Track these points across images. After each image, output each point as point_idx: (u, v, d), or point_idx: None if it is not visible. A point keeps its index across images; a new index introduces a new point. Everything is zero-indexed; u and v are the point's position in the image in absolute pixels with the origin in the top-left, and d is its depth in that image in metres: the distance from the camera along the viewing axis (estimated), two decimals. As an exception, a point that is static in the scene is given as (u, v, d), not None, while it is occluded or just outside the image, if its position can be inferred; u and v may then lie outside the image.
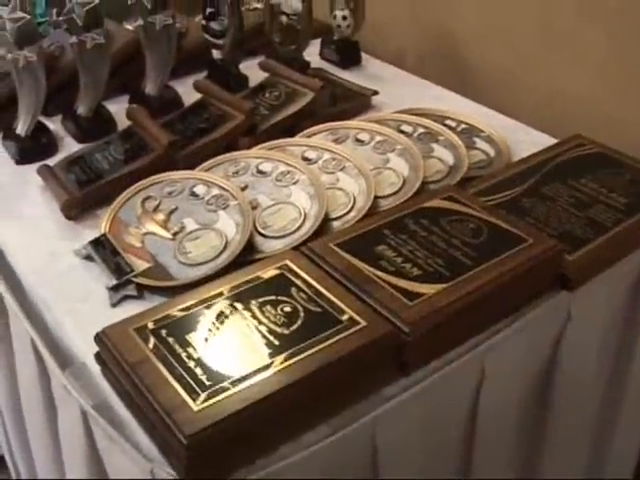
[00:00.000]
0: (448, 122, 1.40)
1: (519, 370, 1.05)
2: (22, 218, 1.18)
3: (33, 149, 1.32)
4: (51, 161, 1.31)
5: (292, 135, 1.32)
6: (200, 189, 1.14)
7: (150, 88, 1.44)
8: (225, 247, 1.04)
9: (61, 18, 1.32)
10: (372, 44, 1.73)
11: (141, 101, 1.45)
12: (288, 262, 0.97)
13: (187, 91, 1.49)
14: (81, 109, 1.38)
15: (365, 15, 1.61)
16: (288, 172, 1.17)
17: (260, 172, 1.18)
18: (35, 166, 1.29)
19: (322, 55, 1.68)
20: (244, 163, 1.20)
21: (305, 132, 1.31)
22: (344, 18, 1.61)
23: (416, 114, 1.41)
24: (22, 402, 1.17)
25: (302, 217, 1.09)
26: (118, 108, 1.45)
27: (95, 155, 1.24)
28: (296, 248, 1.03)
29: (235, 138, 1.28)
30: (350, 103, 1.46)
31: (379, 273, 0.96)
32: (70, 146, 1.37)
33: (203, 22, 1.51)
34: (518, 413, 1.09)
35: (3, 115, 1.40)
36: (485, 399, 1.00)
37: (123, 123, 1.38)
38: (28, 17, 1.24)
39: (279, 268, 0.96)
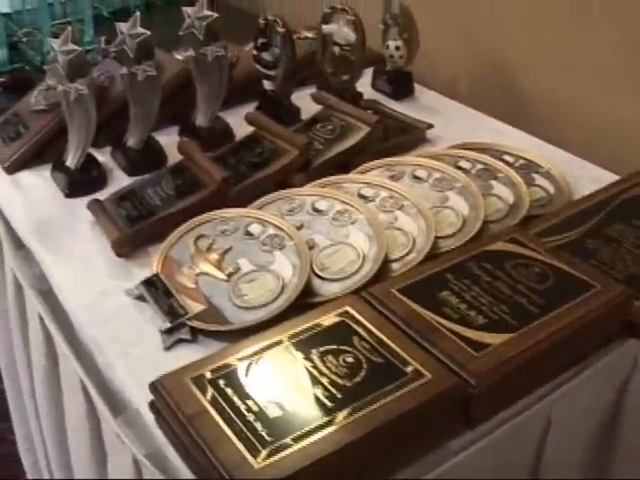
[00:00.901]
0: (506, 157, 1.38)
1: (585, 416, 1.03)
2: (72, 255, 1.17)
3: (83, 182, 1.31)
4: (101, 194, 1.30)
5: (346, 170, 1.30)
6: (255, 228, 1.12)
7: (201, 120, 1.43)
8: (282, 290, 1.02)
9: (112, 49, 1.31)
10: (423, 73, 1.72)
11: (191, 133, 1.44)
12: (349, 309, 0.95)
13: (237, 122, 1.49)
14: (131, 141, 1.37)
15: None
16: (345, 211, 1.15)
17: (316, 210, 1.16)
18: (85, 200, 1.28)
19: (374, 86, 1.67)
20: (299, 201, 1.18)
21: (360, 168, 1.29)
22: (397, 49, 1.60)
23: (473, 149, 1.38)
24: (69, 441, 1.15)
25: (361, 259, 1.07)
26: (168, 140, 1.44)
27: (146, 190, 1.23)
28: (355, 292, 1.01)
29: (289, 174, 1.27)
30: (404, 137, 1.44)
31: (443, 321, 0.94)
32: (120, 179, 1.36)
33: (254, 52, 1.50)
34: (583, 458, 1.07)
35: (53, 146, 1.40)
36: (551, 446, 0.98)
37: (173, 156, 1.37)
38: (79, 50, 1.24)
39: (340, 315, 0.94)
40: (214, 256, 1.09)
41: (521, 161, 1.38)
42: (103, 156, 1.41)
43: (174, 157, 1.36)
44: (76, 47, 1.24)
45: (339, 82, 1.56)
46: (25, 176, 1.40)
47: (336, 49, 1.55)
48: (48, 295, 1.17)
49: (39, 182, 1.37)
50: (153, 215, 1.17)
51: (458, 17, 1.70)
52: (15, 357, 1.44)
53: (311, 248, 1.09)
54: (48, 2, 1.86)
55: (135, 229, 1.15)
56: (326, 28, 1.54)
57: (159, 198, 1.20)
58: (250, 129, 1.41)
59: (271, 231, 1.11)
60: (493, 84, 1.70)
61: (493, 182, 1.28)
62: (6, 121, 1.48)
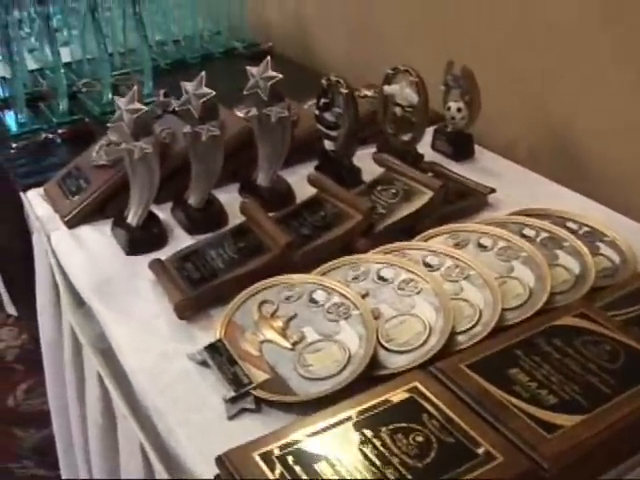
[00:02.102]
0: (569, 224, 1.38)
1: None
2: (133, 314, 1.19)
3: (143, 240, 1.34)
4: (161, 253, 1.32)
5: (410, 236, 1.31)
6: (320, 295, 1.13)
7: (262, 179, 1.45)
8: (348, 362, 1.02)
9: (177, 109, 1.34)
10: (481, 133, 1.73)
11: (252, 191, 1.47)
12: (418, 384, 0.95)
13: (297, 181, 1.51)
14: (192, 199, 1.40)
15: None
16: (411, 280, 1.15)
17: (381, 279, 1.17)
18: (145, 258, 1.30)
19: (434, 146, 1.68)
20: (364, 268, 1.19)
21: (424, 235, 1.30)
22: (459, 110, 1.61)
23: (536, 215, 1.39)
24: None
25: (427, 331, 1.07)
26: (228, 198, 1.47)
27: (209, 251, 1.25)
28: (422, 365, 1.01)
29: (352, 238, 1.28)
30: (466, 201, 1.45)
31: (513, 400, 0.93)
32: (180, 238, 1.38)
33: (316, 112, 1.52)
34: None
35: (114, 202, 1.43)
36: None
37: (234, 215, 1.40)
38: (145, 109, 1.27)
39: (409, 391, 0.94)
40: (278, 323, 1.10)
41: (585, 229, 1.38)
42: (163, 213, 1.43)
43: (234, 216, 1.39)
44: (142, 106, 1.27)
45: (400, 143, 1.58)
46: (85, 231, 1.42)
47: (397, 110, 1.56)
48: (107, 354, 1.19)
49: (99, 238, 1.40)
50: (216, 278, 1.19)
51: (519, 80, 1.71)
52: (68, 409, 1.45)
53: (376, 318, 1.10)
54: (108, 52, 1.90)
55: (198, 292, 1.16)
56: (388, 89, 1.56)
57: (222, 260, 1.22)
58: (311, 189, 1.42)
59: (336, 299, 1.12)
60: (553, 147, 1.70)
61: (558, 252, 1.28)
62: (68, 174, 1.52)
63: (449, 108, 1.63)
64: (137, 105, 1.27)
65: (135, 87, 1.29)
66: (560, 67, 1.63)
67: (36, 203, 1.53)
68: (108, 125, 1.31)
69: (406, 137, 1.59)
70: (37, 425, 2.20)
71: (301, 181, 1.52)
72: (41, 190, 1.56)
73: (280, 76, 1.36)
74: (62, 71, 1.82)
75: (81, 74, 2.08)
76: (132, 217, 1.35)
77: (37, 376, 2.26)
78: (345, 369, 1.02)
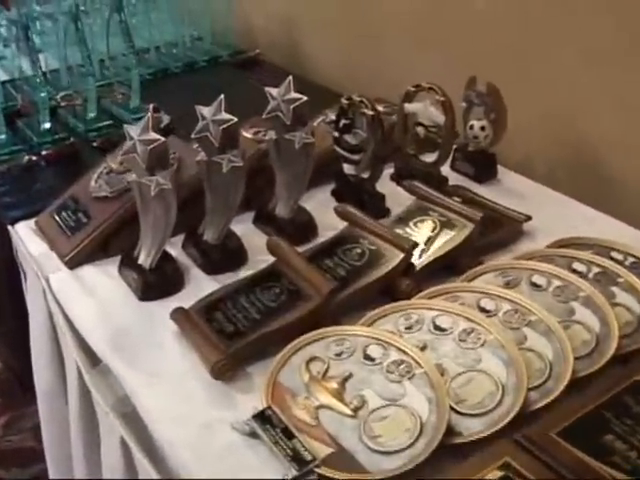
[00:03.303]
0: (614, 255, 1.30)
1: None
2: (160, 375, 1.07)
3: (158, 284, 1.22)
4: (178, 297, 1.22)
5: (452, 273, 1.22)
6: (375, 351, 1.03)
7: (281, 209, 1.34)
8: (421, 431, 0.92)
9: (193, 136, 1.22)
10: (500, 152, 1.63)
11: (269, 222, 1.37)
12: (510, 460, 0.86)
13: (314, 207, 1.42)
14: (208, 235, 1.28)
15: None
16: (472, 330, 1.06)
17: (438, 328, 1.07)
18: (161, 303, 1.18)
19: (454, 166, 1.58)
20: (417, 316, 1.09)
21: (470, 273, 1.20)
22: (482, 129, 1.52)
23: (579, 245, 1.30)
24: None
25: (500, 390, 0.98)
26: (242, 229, 1.36)
27: (238, 299, 1.13)
28: (501, 431, 0.91)
29: (393, 279, 1.17)
30: (502, 231, 1.35)
31: (614, 472, 0.86)
32: (197, 278, 1.27)
33: (335, 134, 1.41)
34: None
35: (119, 239, 1.30)
36: None
37: (253, 249, 1.31)
38: (162, 140, 1.14)
39: (502, 468, 0.85)
40: (333, 385, 0.99)
41: (631, 259, 1.30)
42: (173, 248, 1.31)
43: (253, 252, 1.30)
44: (158, 136, 1.14)
45: (422, 165, 1.47)
46: (89, 272, 1.30)
47: (420, 130, 1.46)
48: (131, 418, 1.06)
49: (106, 280, 1.27)
50: (253, 331, 1.07)
51: (539, 94, 1.62)
52: (71, 465, 1.33)
53: (441, 375, 0.99)
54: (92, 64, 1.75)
55: (235, 349, 1.05)
56: (410, 107, 1.46)
57: (256, 310, 1.10)
58: (330, 217, 1.34)
59: (394, 355, 1.02)
60: (576, 164, 1.62)
61: (614, 289, 1.19)
62: (63, 206, 1.38)
63: (472, 127, 1.54)
64: (152, 135, 1.14)
65: (149, 114, 1.16)
66: (586, 82, 1.54)
67: (28, 238, 1.39)
68: (121, 158, 1.18)
69: (429, 158, 1.48)
70: (20, 463, 2.05)
71: (319, 207, 1.42)
72: (32, 223, 1.42)
73: (305, 98, 1.25)
74: (43, 86, 1.65)
75: (58, 85, 1.92)
76: (144, 258, 1.22)
77: (15, 409, 2.13)
78: (419, 440, 0.91)
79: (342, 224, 1.32)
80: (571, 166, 1.63)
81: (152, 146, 1.13)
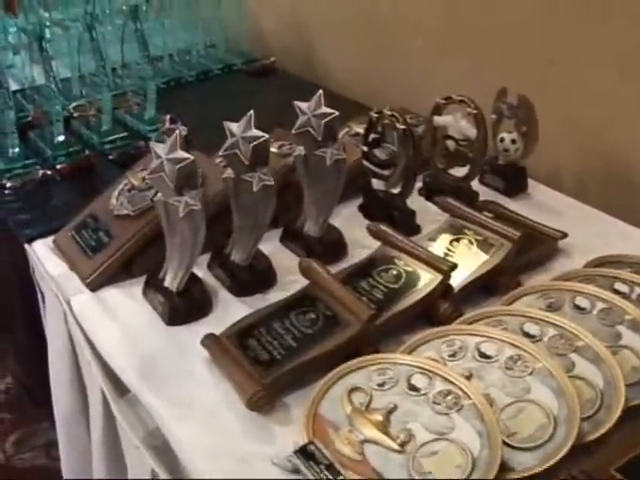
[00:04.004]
0: (653, 272, 1.26)
1: None
2: (192, 406, 1.03)
3: (186, 308, 1.18)
4: (207, 321, 1.19)
5: (490, 293, 1.21)
6: (419, 380, 0.99)
7: (310, 227, 1.31)
8: (473, 467, 0.88)
9: (221, 153, 1.18)
10: (528, 164, 1.60)
11: (297, 241, 1.34)
12: (570, 499, 0.82)
13: (341, 224, 1.39)
14: (235, 256, 1.24)
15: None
16: (518, 357, 1.02)
17: (483, 355, 1.03)
18: (189, 328, 1.16)
19: (482, 180, 1.55)
20: (460, 342, 1.05)
21: (510, 296, 1.17)
22: (513, 142, 1.49)
23: (616, 263, 1.27)
24: None
25: (552, 422, 0.94)
26: (269, 248, 1.32)
27: (273, 325, 1.09)
28: (556, 465, 0.88)
29: (431, 302, 1.14)
30: (538, 249, 1.32)
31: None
32: (225, 301, 1.23)
33: (364, 149, 1.38)
34: None
35: (142, 259, 1.27)
36: None
37: (281, 269, 1.28)
38: (191, 158, 1.10)
39: (562, 507, 0.81)
40: (377, 417, 0.95)
41: (671, 277, 1.26)
42: (198, 268, 1.27)
43: (280, 270, 1.27)
44: (186, 155, 1.10)
45: (453, 179, 1.44)
46: (111, 294, 1.26)
47: (450, 143, 1.43)
48: (163, 451, 1.02)
49: (130, 303, 1.23)
50: (290, 359, 1.04)
51: (568, 105, 1.59)
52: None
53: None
54: (107, 75, 1.71)
55: (272, 379, 1.01)
56: (439, 120, 1.43)
57: (292, 337, 1.07)
58: (360, 234, 1.32)
59: (440, 385, 0.98)
60: (607, 177, 1.59)
61: (659, 310, 1.16)
62: (83, 224, 1.34)
63: (502, 139, 1.50)
64: (181, 154, 1.10)
65: (177, 132, 1.12)
66: (617, 91, 1.51)
67: (46, 258, 1.35)
68: (148, 177, 1.14)
69: (458, 172, 1.45)
70: (33, 482, 2.02)
71: (347, 224, 1.39)
72: (49, 242, 1.38)
73: (336, 113, 1.21)
74: (57, 96, 1.61)
75: (69, 95, 1.88)
76: (171, 281, 1.18)
77: (26, 426, 2.09)
78: (471, 476, 0.88)
79: (371, 241, 1.29)
80: (601, 178, 1.60)
81: (180, 165, 1.09)
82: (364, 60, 2.07)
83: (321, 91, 1.23)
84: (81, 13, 2.01)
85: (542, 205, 1.51)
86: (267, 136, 1.15)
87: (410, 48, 1.94)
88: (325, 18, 2.19)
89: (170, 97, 1.87)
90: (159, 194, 1.16)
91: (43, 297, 1.40)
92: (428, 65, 1.87)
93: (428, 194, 1.47)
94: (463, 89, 1.45)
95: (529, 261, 1.30)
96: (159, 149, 1.12)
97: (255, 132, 1.15)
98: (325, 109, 1.22)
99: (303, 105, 1.23)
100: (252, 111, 1.16)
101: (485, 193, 1.52)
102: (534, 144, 1.49)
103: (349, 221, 1.40)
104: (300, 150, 1.27)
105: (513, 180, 1.53)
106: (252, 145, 1.14)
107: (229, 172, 1.20)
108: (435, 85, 1.81)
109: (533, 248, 1.32)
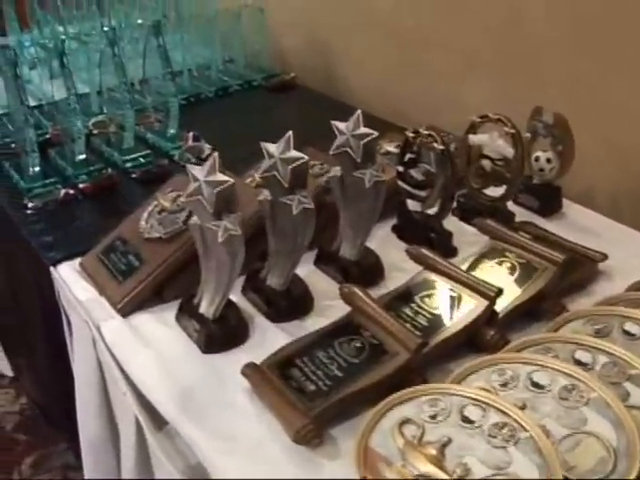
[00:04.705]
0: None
1: None
2: (236, 440, 1.00)
3: (223, 335, 1.15)
4: (244, 349, 1.16)
5: (533, 318, 1.19)
6: (473, 412, 0.96)
7: (346, 251, 1.29)
8: (534, 504, 0.86)
9: (259, 176, 1.16)
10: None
11: (332, 264, 1.32)
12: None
13: (376, 246, 1.36)
14: (272, 280, 1.22)
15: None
16: (573, 387, 1.00)
17: (536, 385, 1.01)
18: (226, 356, 1.14)
19: (516, 200, 1.53)
20: (511, 372, 1.03)
21: (557, 321, 1.14)
22: (549, 161, 1.47)
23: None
24: None
25: (612, 455, 0.92)
26: (304, 271, 1.30)
27: (316, 354, 1.07)
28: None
29: (477, 329, 1.12)
30: (579, 272, 1.29)
31: None
32: (262, 327, 1.21)
33: (400, 169, 1.36)
34: None
35: (175, 283, 1.24)
36: None
37: (317, 293, 1.26)
38: (231, 182, 1.08)
39: None
40: (431, 451, 0.93)
41: None
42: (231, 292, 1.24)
43: (316, 294, 1.26)
44: (226, 178, 1.08)
45: (488, 199, 1.42)
46: (143, 320, 1.24)
47: (486, 163, 1.41)
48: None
49: (163, 329, 1.21)
50: (337, 391, 1.01)
51: (603, 126, 1.57)
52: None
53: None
54: (129, 92, 1.69)
55: (319, 411, 0.99)
56: (475, 139, 1.41)
57: (337, 366, 1.04)
58: (397, 256, 1.32)
59: (495, 417, 0.95)
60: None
61: None
62: (111, 247, 1.32)
63: (537, 158, 1.49)
64: (219, 176, 1.08)
65: (215, 154, 1.10)
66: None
67: (73, 282, 1.33)
68: (185, 201, 1.11)
69: (493, 192, 1.44)
70: (51, 506, 1.99)
71: (381, 246, 1.37)
72: (76, 264, 1.35)
73: (376, 134, 1.20)
74: (78, 113, 1.58)
75: (88, 111, 1.86)
76: (207, 307, 1.16)
77: (42, 447, 2.07)
78: (533, 514, 0.85)
79: (408, 263, 1.28)
80: (637, 199, 1.58)
81: (219, 188, 1.07)
82: (387, 77, 2.06)
83: (359, 111, 1.21)
84: (97, 27, 2.01)
85: (578, 225, 1.49)
86: (307, 158, 1.13)
87: (435, 66, 1.92)
88: (347, 34, 2.17)
89: (189, 113, 1.85)
90: (194, 217, 1.14)
91: (68, 320, 1.37)
92: (454, 83, 1.86)
93: (462, 214, 1.45)
94: (491, 107, 1.43)
95: (571, 284, 1.28)
96: (196, 171, 1.10)
97: (294, 153, 1.13)
98: (364, 129, 1.20)
99: (341, 125, 1.21)
100: (290, 132, 1.14)
101: (519, 213, 1.50)
102: (570, 163, 1.47)
103: (383, 242, 1.38)
104: (336, 171, 1.25)
105: (548, 200, 1.51)
106: (291, 167, 1.12)
107: (265, 194, 1.18)
108: (460, 104, 1.80)
109: (574, 270, 1.29)
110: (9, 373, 2.27)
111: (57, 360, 1.54)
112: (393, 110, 1.93)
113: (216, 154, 1.11)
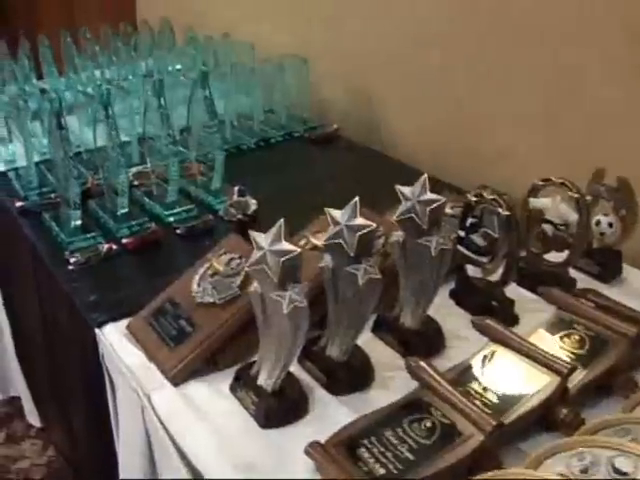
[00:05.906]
0: None
1: None
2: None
3: (283, 409, 1.12)
4: (303, 424, 1.14)
5: (604, 393, 1.16)
6: (557, 503, 0.93)
7: (407, 319, 1.26)
8: None
9: (324, 243, 1.14)
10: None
11: (391, 331, 1.29)
12: None
13: (433, 311, 1.32)
14: (331, 351, 1.19)
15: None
16: (658, 477, 0.96)
17: (618, 472, 0.97)
18: (286, 431, 1.11)
19: (574, 264, 1.49)
20: (590, 456, 0.99)
21: (632, 399, 1.11)
22: (610, 225, 1.44)
23: None
24: None
25: None
26: (363, 339, 1.26)
27: (384, 434, 1.04)
28: None
29: (549, 407, 1.08)
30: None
31: None
32: (322, 400, 1.18)
33: (461, 234, 1.33)
34: None
35: (229, 351, 1.21)
36: None
37: (376, 363, 1.23)
38: (297, 251, 1.05)
39: None
40: None
41: None
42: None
43: (376, 364, 1.23)
44: (292, 247, 1.06)
45: (549, 265, 1.39)
46: (197, 389, 1.21)
47: (548, 227, 1.38)
48: None
49: (217, 401, 1.18)
50: (406, 473, 0.98)
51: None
52: None
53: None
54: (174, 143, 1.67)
55: (391, 497, 0.95)
56: (537, 202, 1.39)
57: (407, 448, 1.01)
58: (449, 321, 1.31)
59: (581, 508, 0.92)
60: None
61: None
62: (161, 311, 1.29)
63: (598, 222, 1.46)
64: (285, 245, 1.06)
65: (281, 221, 1.08)
66: None
67: (120, 346, 1.30)
68: (249, 269, 1.08)
69: (553, 257, 1.41)
70: None
71: (439, 312, 1.34)
72: (122, 326, 1.33)
73: (443, 199, 1.17)
74: (123, 165, 1.56)
75: (127, 161, 1.83)
76: (266, 379, 1.13)
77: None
78: None
79: (468, 332, 1.26)
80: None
81: (285, 258, 1.05)
82: (432, 130, 2.04)
83: (425, 175, 1.19)
84: (137, 73, 2.00)
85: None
86: (374, 225, 1.11)
87: (485, 119, 1.90)
88: (391, 86, 2.15)
89: (230, 164, 1.82)
90: (254, 284, 1.11)
91: (111, 381, 1.34)
92: (506, 140, 1.83)
93: (521, 280, 1.42)
94: (549, 167, 1.41)
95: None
96: (261, 239, 1.08)
97: (361, 221, 1.11)
98: (431, 195, 1.18)
99: (406, 190, 1.19)
100: (357, 198, 1.12)
101: (578, 278, 1.47)
102: (633, 228, 1.44)
103: (442, 309, 1.35)
104: (399, 236, 1.23)
105: (608, 264, 1.48)
106: (358, 235, 1.09)
107: (327, 260, 1.15)
108: (514, 162, 1.78)
109: (640, 343, 1.26)
110: (37, 424, 2.23)
111: (94, 418, 1.51)
112: (440, 164, 1.90)
113: (282, 221, 1.08)
